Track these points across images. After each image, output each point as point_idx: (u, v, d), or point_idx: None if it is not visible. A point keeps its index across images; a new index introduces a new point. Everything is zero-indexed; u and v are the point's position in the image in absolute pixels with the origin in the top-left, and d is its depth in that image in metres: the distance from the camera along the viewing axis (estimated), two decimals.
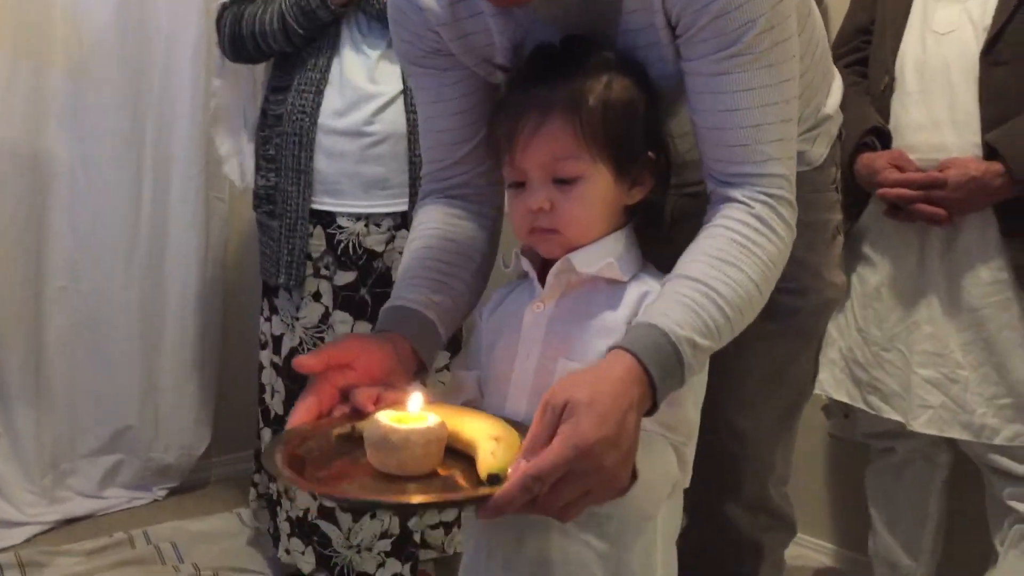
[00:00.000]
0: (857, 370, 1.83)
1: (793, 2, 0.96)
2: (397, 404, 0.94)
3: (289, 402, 1.95)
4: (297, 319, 1.94)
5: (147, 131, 2.43)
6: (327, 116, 1.89)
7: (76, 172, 2.35)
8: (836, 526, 2.27)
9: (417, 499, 0.85)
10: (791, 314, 1.21)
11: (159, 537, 2.29)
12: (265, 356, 2.08)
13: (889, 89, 1.74)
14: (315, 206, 1.91)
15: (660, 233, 1.03)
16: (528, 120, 0.96)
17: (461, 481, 0.88)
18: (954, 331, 1.69)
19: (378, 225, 1.90)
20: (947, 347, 1.70)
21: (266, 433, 2.07)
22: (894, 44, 1.74)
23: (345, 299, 1.91)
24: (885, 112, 1.75)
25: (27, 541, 2.25)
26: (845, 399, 1.86)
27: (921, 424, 1.72)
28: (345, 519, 1.94)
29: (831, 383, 1.87)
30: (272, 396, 2.04)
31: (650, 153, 1.00)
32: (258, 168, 2.02)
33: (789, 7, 0.95)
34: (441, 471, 0.90)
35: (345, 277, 1.91)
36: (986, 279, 1.66)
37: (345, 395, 0.98)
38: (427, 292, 1.08)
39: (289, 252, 1.91)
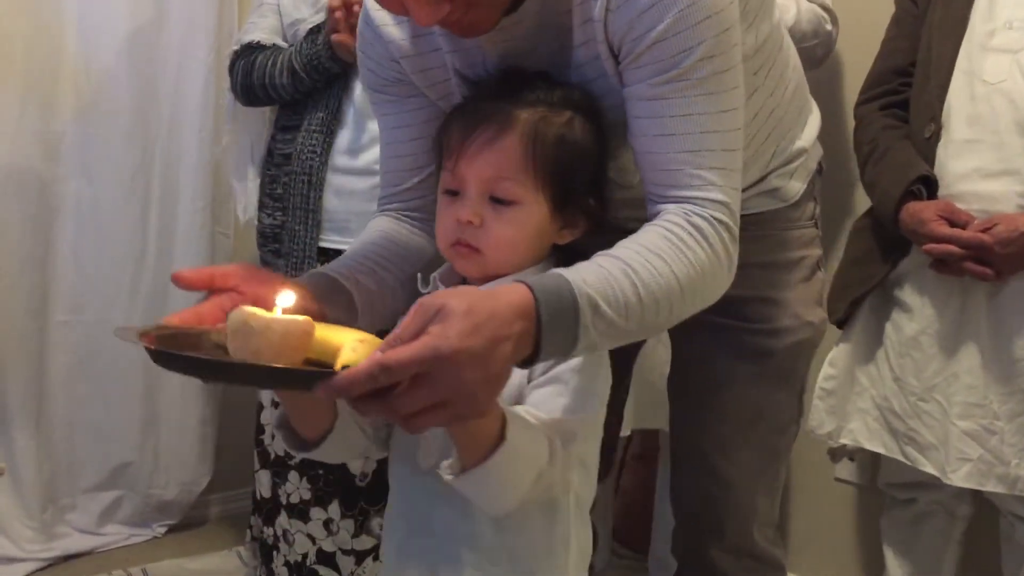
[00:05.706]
0: (893, 420, 1.78)
1: (738, 33, 0.94)
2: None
3: None
4: None
5: (154, 166, 2.43)
6: (338, 155, 1.88)
7: (82, 206, 2.34)
8: (854, 572, 2.22)
9: (242, 361, 0.79)
10: (765, 356, 1.21)
11: (158, 575, 2.25)
12: (266, 395, 2.04)
13: (936, 137, 1.70)
14: (323, 244, 1.90)
15: None
16: (485, 130, 0.95)
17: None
18: (994, 381, 1.65)
19: None
20: (986, 398, 1.66)
21: (263, 475, 2.02)
22: (940, 92, 1.70)
23: None
24: (930, 160, 1.70)
25: None
26: (880, 449, 1.81)
27: (960, 478, 1.67)
28: (346, 563, 1.90)
29: (864, 433, 1.82)
30: (272, 438, 2.00)
31: (591, 201, 0.99)
32: (263, 206, 2.01)
33: (734, 37, 0.94)
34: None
35: None
36: None
37: None
38: (353, 270, 1.06)
39: None
